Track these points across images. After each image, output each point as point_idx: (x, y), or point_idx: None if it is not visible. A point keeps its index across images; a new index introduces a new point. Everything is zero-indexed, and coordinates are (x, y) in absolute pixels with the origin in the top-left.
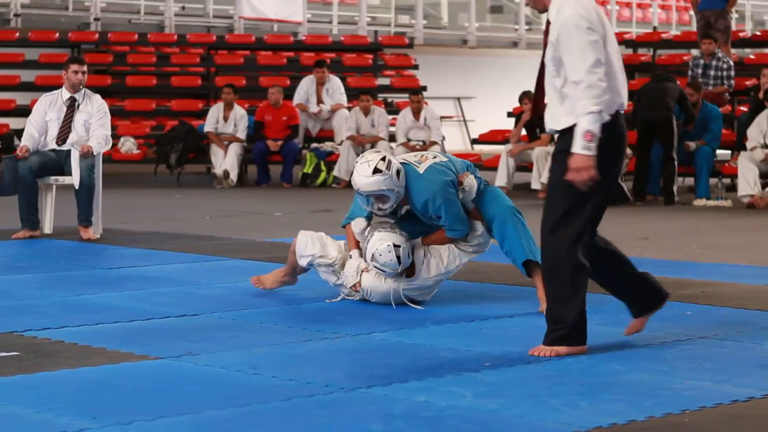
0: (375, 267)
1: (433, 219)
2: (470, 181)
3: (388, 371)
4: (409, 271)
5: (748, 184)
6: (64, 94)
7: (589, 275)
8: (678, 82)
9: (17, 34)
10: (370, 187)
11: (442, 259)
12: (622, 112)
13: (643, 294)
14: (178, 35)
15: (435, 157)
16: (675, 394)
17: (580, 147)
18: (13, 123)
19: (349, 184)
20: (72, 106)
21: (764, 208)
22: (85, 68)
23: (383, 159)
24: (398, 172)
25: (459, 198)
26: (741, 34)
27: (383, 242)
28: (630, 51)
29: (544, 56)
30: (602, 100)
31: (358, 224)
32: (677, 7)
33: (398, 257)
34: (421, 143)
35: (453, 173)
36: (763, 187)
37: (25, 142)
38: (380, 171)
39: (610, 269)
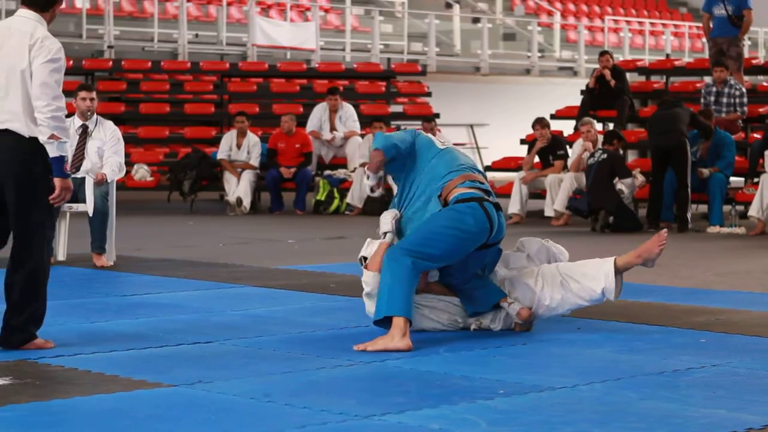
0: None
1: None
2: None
3: (401, 399)
4: None
5: (761, 206)
6: (76, 121)
7: None
8: (685, 106)
9: None
10: None
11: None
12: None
13: None
14: (192, 63)
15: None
16: (689, 422)
17: None
18: None
19: (361, 211)
20: (84, 133)
21: None
22: (93, 95)
23: None
24: None
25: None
26: (754, 61)
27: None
28: (643, 78)
29: None
30: None
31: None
32: (690, 34)
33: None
34: None
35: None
36: None
37: None
38: None
39: None
